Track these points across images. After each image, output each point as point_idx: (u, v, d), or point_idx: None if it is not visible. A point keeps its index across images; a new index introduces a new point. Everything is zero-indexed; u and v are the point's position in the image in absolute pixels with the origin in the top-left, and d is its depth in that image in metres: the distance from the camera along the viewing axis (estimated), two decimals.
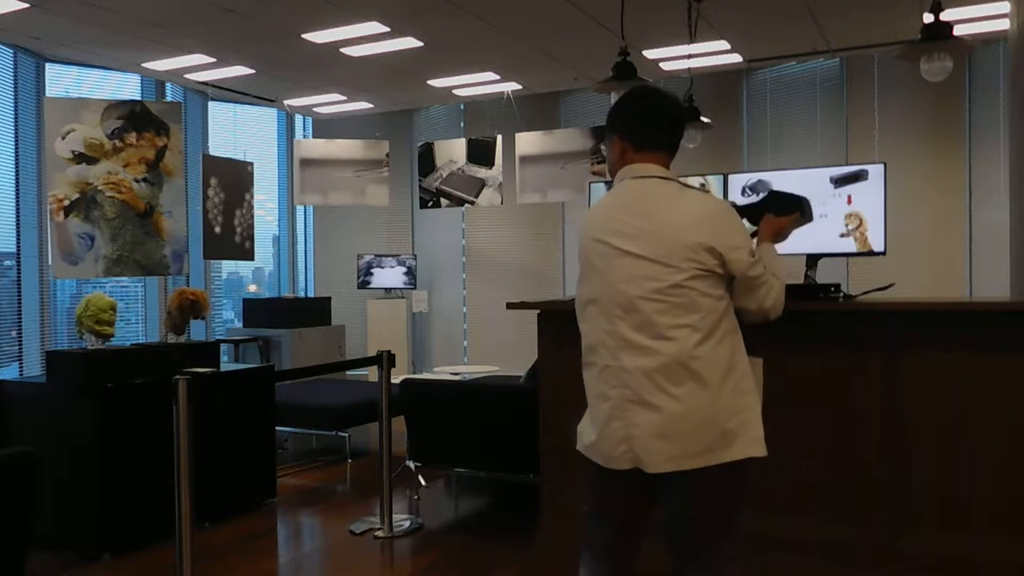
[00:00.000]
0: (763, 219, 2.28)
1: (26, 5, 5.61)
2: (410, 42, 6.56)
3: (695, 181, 3.58)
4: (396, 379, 4.32)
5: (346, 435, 5.63)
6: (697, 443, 1.88)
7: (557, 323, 3.47)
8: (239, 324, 8.31)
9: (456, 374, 6.73)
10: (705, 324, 1.90)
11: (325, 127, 9.51)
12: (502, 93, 8.34)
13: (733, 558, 2.01)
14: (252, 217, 7.68)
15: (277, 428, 5.05)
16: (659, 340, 1.89)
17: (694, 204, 1.97)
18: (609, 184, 3.79)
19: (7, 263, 6.75)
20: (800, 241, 3.29)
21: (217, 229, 7.22)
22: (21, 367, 6.77)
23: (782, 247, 2.31)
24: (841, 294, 3.15)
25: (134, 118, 6.16)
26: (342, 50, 6.76)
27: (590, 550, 2.12)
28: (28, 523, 2.75)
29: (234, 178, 7.48)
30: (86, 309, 3.99)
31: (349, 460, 5.63)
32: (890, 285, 3.16)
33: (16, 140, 6.71)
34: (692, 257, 1.90)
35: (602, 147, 2.32)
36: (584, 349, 2.07)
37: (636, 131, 2.08)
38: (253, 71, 7.44)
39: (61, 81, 7.13)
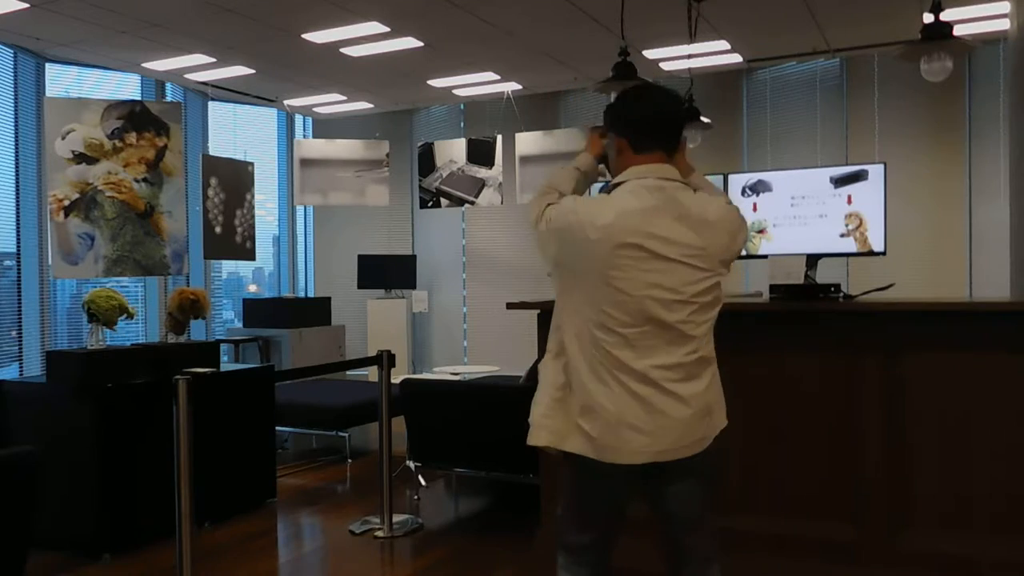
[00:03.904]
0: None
1: (26, 5, 5.61)
2: (410, 42, 6.57)
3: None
4: (396, 379, 4.32)
5: (346, 435, 5.62)
6: (703, 429, 1.99)
7: None
8: (239, 324, 8.31)
9: (456, 374, 6.73)
10: (714, 319, 2.03)
11: (325, 127, 9.51)
12: (502, 93, 8.34)
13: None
14: (253, 217, 7.68)
15: (277, 428, 5.05)
16: (687, 337, 1.95)
17: (718, 211, 2.02)
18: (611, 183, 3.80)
19: (7, 263, 6.75)
20: (800, 241, 3.30)
21: (218, 229, 7.22)
22: (21, 367, 6.77)
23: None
24: (841, 294, 3.15)
25: (134, 118, 6.16)
26: (342, 50, 6.76)
27: (569, 552, 2.16)
28: (28, 523, 2.75)
29: (234, 178, 7.47)
30: (109, 298, 3.99)
31: (349, 460, 5.63)
32: (890, 285, 3.16)
33: (16, 140, 6.71)
34: (724, 260, 2.02)
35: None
36: (590, 345, 1.98)
37: (633, 130, 2.08)
38: (253, 71, 7.44)
39: (61, 81, 7.13)
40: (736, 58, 7.19)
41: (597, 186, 2.75)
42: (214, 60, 7.06)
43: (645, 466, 1.96)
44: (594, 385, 1.96)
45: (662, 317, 1.92)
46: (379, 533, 4.03)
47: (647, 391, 1.92)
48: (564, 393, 2.02)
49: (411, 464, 4.70)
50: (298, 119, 9.56)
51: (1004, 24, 5.08)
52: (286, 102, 8.78)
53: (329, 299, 8.35)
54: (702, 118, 5.50)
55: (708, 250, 1.96)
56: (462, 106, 8.98)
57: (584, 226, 1.96)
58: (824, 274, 3.30)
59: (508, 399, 4.26)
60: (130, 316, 4.13)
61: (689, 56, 6.38)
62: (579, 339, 1.99)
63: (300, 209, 9.53)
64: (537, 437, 2.05)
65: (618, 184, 2.05)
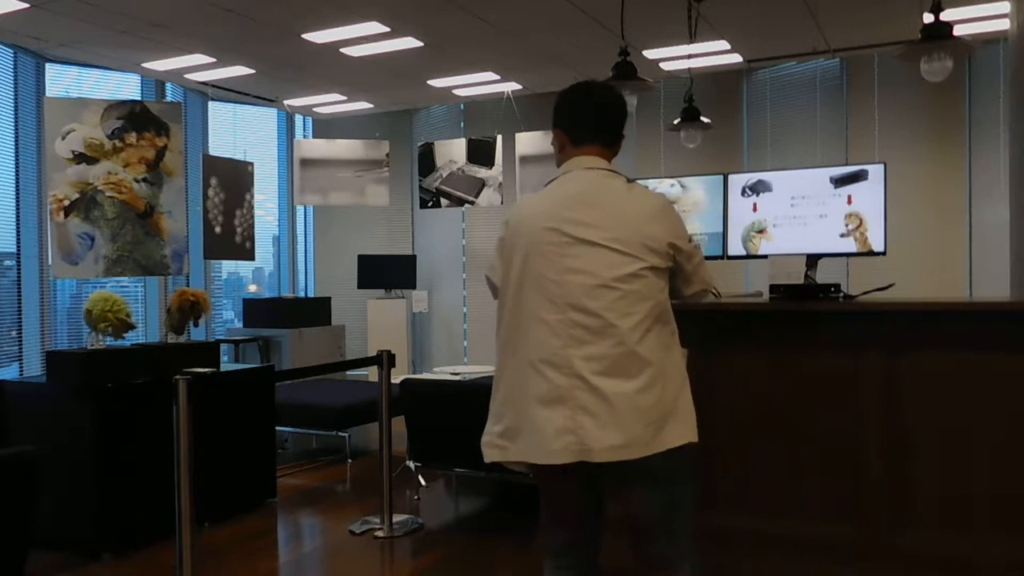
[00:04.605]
0: None
1: (26, 5, 5.61)
2: (410, 42, 6.56)
3: (690, 181, 3.58)
4: (396, 379, 4.32)
5: (346, 435, 5.62)
6: (642, 432, 1.90)
7: None
8: (239, 324, 8.31)
9: (456, 374, 6.73)
10: (652, 313, 1.95)
11: (325, 127, 9.51)
12: (502, 93, 8.34)
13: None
14: (252, 217, 7.68)
15: (277, 428, 5.05)
16: (610, 328, 1.91)
17: (646, 199, 2.06)
18: None
19: (7, 263, 6.75)
20: (800, 241, 3.30)
21: (217, 229, 7.22)
22: (21, 367, 6.77)
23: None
24: (841, 294, 3.15)
25: (134, 118, 6.16)
26: (342, 50, 6.76)
27: (552, 555, 2.19)
28: (28, 523, 2.74)
29: (234, 178, 7.47)
30: (108, 304, 3.99)
31: (349, 460, 5.63)
32: (890, 285, 3.16)
33: (16, 140, 6.71)
34: (651, 248, 1.97)
35: None
36: (505, 338, 2.07)
37: (571, 125, 2.16)
38: (253, 71, 7.44)
39: (61, 81, 7.13)
40: (736, 58, 7.18)
41: None
42: (214, 60, 7.06)
43: (589, 464, 1.92)
44: (519, 385, 2.01)
45: (584, 304, 1.92)
46: (379, 533, 4.03)
47: (571, 383, 1.90)
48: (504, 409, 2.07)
49: (411, 464, 4.70)
50: (298, 119, 9.55)
51: (1004, 24, 5.08)
52: (286, 102, 8.78)
53: (329, 299, 8.35)
54: (702, 118, 5.50)
55: (629, 233, 1.96)
56: (462, 106, 8.98)
57: (515, 222, 2.10)
58: (824, 274, 3.30)
59: None
60: (131, 328, 4.15)
61: (689, 56, 6.38)
62: (510, 342, 2.04)
63: (300, 209, 9.53)
64: (486, 455, 2.12)
65: (554, 179, 2.13)
